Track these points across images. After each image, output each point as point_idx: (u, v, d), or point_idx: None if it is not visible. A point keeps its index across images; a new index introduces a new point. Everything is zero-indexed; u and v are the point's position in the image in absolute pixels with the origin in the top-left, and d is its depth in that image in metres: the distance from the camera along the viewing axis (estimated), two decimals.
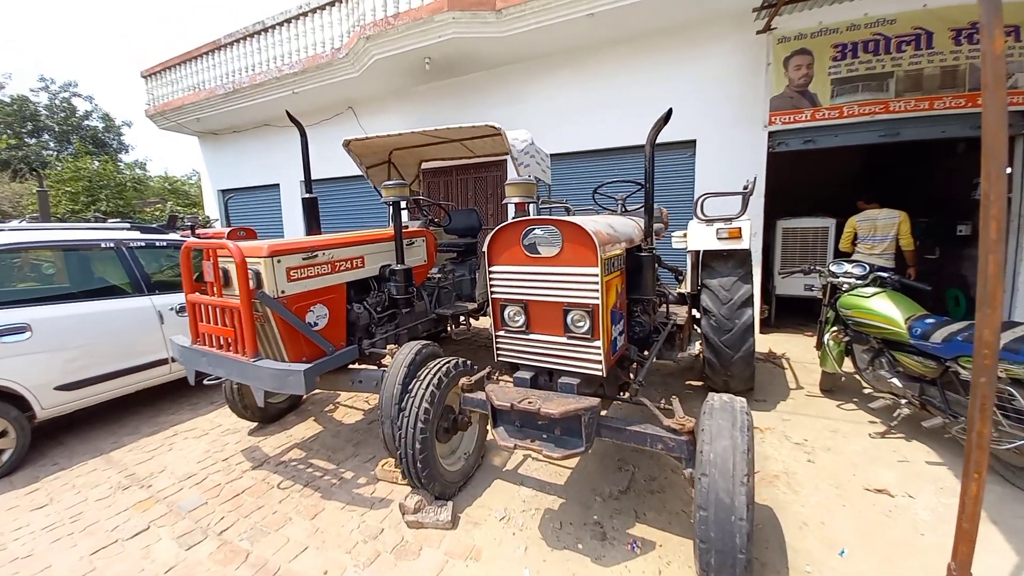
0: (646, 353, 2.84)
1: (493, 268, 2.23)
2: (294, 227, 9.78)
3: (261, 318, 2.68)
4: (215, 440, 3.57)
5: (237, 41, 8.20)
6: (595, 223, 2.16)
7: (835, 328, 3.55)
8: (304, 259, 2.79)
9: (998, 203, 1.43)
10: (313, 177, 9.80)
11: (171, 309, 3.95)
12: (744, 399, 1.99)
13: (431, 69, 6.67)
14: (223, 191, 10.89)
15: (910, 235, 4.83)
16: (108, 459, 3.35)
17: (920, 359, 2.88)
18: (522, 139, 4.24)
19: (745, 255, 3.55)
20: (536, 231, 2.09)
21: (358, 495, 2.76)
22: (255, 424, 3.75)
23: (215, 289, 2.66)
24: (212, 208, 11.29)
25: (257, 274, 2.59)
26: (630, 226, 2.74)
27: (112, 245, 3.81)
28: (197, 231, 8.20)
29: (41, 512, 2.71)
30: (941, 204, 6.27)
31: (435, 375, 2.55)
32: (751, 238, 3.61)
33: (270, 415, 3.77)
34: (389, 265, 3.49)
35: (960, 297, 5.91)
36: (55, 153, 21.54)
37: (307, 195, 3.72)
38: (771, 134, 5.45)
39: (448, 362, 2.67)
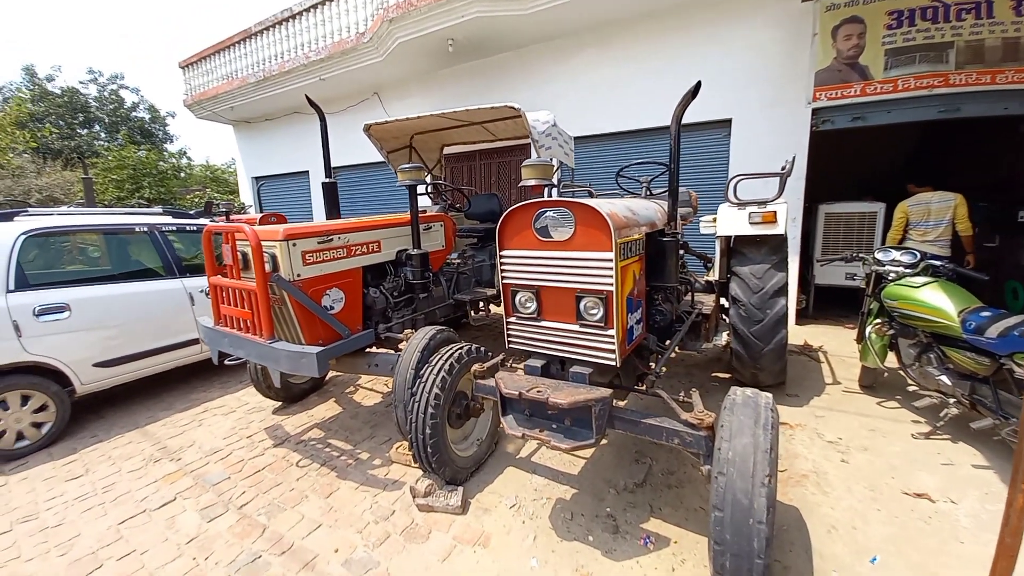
0: (668, 343, 2.71)
1: (504, 252, 2.15)
2: (323, 213, 9.98)
3: (278, 301, 2.71)
4: (241, 418, 3.70)
5: (266, 29, 8.31)
6: (611, 205, 2.04)
7: (879, 320, 3.29)
8: (319, 243, 2.79)
9: None
10: (340, 164, 9.98)
11: (201, 291, 4.08)
12: (770, 395, 1.85)
13: (454, 51, 6.55)
14: (256, 178, 11.22)
15: (968, 219, 4.40)
16: (143, 432, 3.53)
17: (972, 355, 2.62)
18: (543, 120, 4.09)
19: (780, 241, 3.32)
20: (548, 214, 1.99)
21: (372, 476, 2.80)
22: (279, 404, 3.86)
23: (234, 272, 2.71)
24: (247, 195, 11.67)
25: (273, 257, 2.62)
26: (652, 209, 2.59)
27: (146, 229, 3.96)
28: (231, 217, 8.52)
29: (76, 482, 2.88)
30: (1002, 188, 5.69)
31: (447, 361, 2.52)
32: (788, 223, 3.38)
33: (293, 395, 3.88)
34: (406, 250, 3.46)
35: (1019, 289, 5.38)
36: (105, 143, 22.79)
37: (327, 180, 3.72)
38: (815, 111, 5.06)
39: (461, 348, 2.64)
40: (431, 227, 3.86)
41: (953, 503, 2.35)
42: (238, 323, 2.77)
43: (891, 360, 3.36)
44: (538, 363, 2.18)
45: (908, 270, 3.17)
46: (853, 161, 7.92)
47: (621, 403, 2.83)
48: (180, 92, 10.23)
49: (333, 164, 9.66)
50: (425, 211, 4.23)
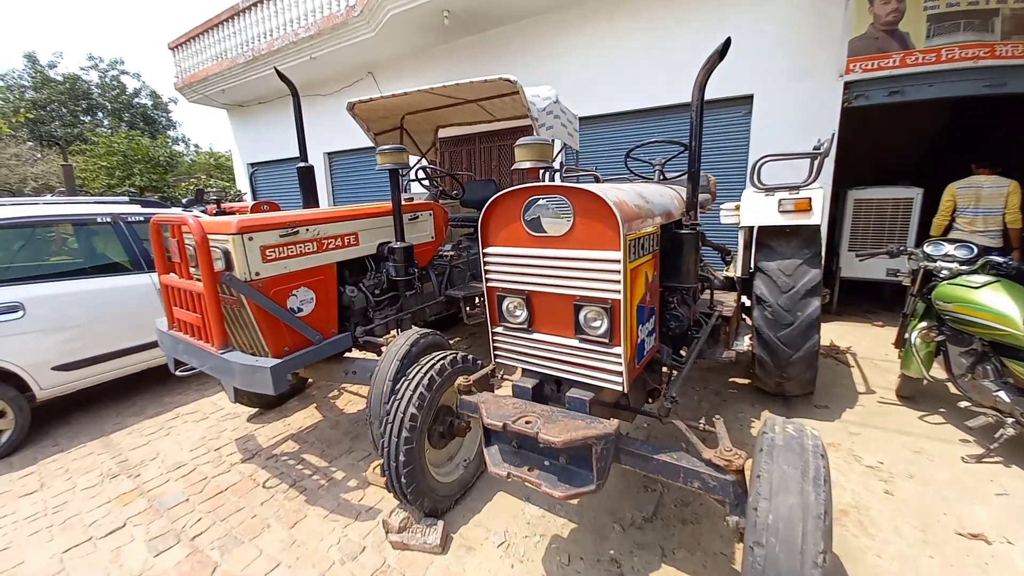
0: (683, 353, 2.33)
1: (488, 250, 1.78)
2: (319, 201, 9.63)
3: (235, 303, 2.36)
4: (213, 426, 3.41)
5: (255, 4, 7.86)
6: (619, 192, 1.64)
7: (925, 324, 2.86)
8: (282, 236, 2.43)
9: None
10: (337, 148, 9.56)
11: None
12: (816, 434, 1.46)
13: (450, 24, 6.07)
14: (252, 164, 10.86)
15: (1019, 210, 3.93)
16: (107, 442, 3.25)
17: None
18: (544, 96, 3.66)
19: (813, 233, 2.89)
20: (541, 202, 1.60)
21: (345, 502, 2.48)
22: (255, 410, 3.56)
23: (183, 270, 2.36)
24: (244, 182, 11.33)
25: (226, 253, 2.26)
26: (668, 196, 2.18)
27: (109, 220, 3.63)
28: (223, 205, 8.20)
29: (29, 499, 2.61)
30: None
31: (426, 374, 2.17)
32: (822, 211, 2.94)
33: (269, 402, 3.57)
34: (388, 242, 3.09)
35: None
36: (110, 131, 22.63)
37: (302, 164, 3.35)
38: (847, 85, 4.54)
39: (443, 358, 2.28)
40: (418, 216, 3.47)
41: (1010, 544, 1.99)
42: (190, 328, 2.44)
43: (937, 368, 2.95)
44: (529, 383, 1.81)
45: (964, 267, 2.73)
46: (881, 141, 7.33)
47: (625, 432, 2.47)
48: (171, 75, 9.84)
49: (330, 149, 9.34)
50: (412, 199, 3.85)
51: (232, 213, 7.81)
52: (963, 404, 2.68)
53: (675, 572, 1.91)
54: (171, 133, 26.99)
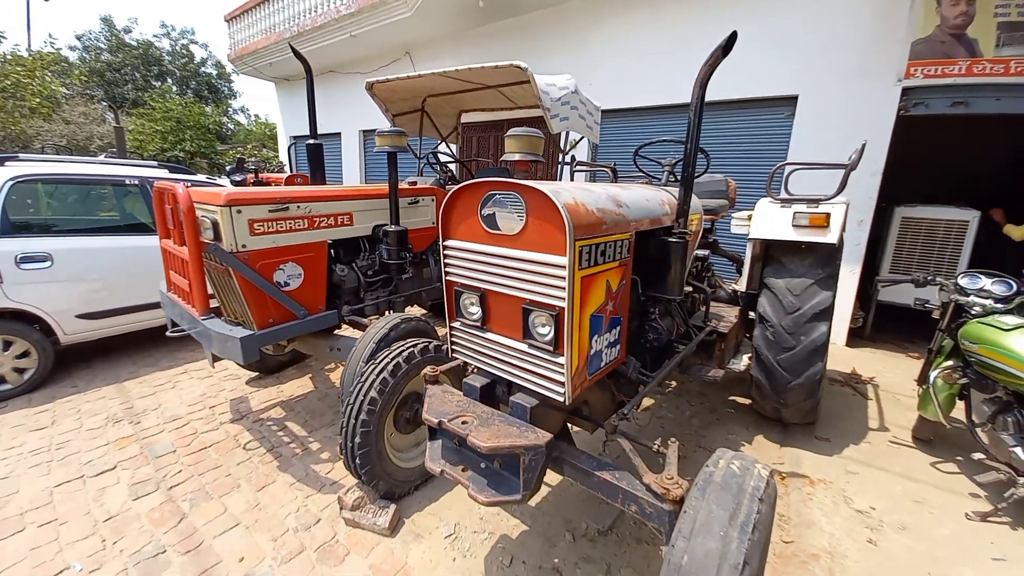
0: (658, 371, 2.21)
1: (447, 243, 1.73)
2: (352, 177, 9.86)
3: (223, 272, 2.45)
4: (214, 384, 3.60)
5: None
6: (585, 192, 1.54)
7: (949, 364, 2.58)
8: (272, 211, 2.48)
9: None
10: (371, 127, 9.69)
11: None
12: (767, 473, 1.35)
13: (486, 6, 5.96)
14: (294, 137, 11.24)
15: None
16: (120, 388, 3.50)
17: None
18: (560, 86, 3.53)
19: (830, 252, 2.65)
20: (497, 197, 1.53)
21: (313, 472, 2.55)
22: (254, 374, 3.72)
23: (177, 236, 2.47)
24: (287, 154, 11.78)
25: (215, 224, 2.34)
26: (656, 200, 2.05)
27: (137, 183, 3.85)
28: (260, 175, 8.55)
29: (38, 434, 2.85)
30: None
31: (392, 360, 2.18)
32: (845, 228, 2.69)
33: (269, 366, 3.72)
34: (384, 225, 3.11)
35: None
36: (165, 95, 24.11)
37: (312, 141, 3.40)
38: (905, 91, 4.11)
39: (415, 346, 2.28)
40: (419, 201, 3.47)
41: None
42: (182, 292, 2.55)
43: (958, 412, 2.66)
44: (478, 383, 1.77)
45: (999, 305, 2.43)
46: (941, 157, 6.62)
47: (590, 435, 2.40)
48: (226, 47, 10.28)
49: (363, 127, 9.49)
50: (414, 183, 3.84)
51: (269, 183, 8.15)
52: (977, 456, 2.41)
53: None
54: (232, 103, 28.36)
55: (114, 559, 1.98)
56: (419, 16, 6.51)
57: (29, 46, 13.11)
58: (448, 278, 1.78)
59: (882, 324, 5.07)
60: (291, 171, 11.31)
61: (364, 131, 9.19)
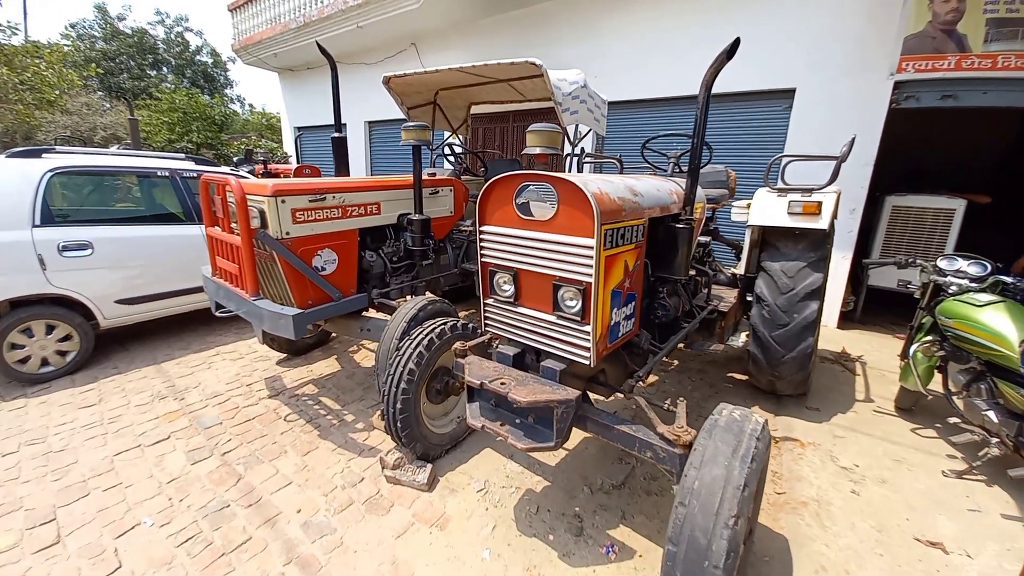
0: (666, 343, 2.46)
1: (484, 228, 1.96)
2: (357, 168, 9.99)
3: (267, 257, 2.67)
4: (247, 365, 3.83)
5: None
6: (606, 184, 1.77)
7: (928, 339, 2.85)
8: (311, 201, 2.70)
9: None
10: (377, 118, 9.80)
11: None
12: (762, 419, 1.60)
13: None
14: (299, 128, 11.33)
15: None
16: (159, 369, 3.73)
17: None
18: (571, 80, 3.73)
19: (820, 237, 2.90)
20: (530, 188, 1.76)
21: (351, 440, 2.81)
22: (283, 355, 3.96)
23: (226, 224, 2.68)
24: (291, 145, 11.87)
25: (262, 213, 2.55)
26: (666, 190, 2.28)
27: (167, 174, 4.04)
28: (268, 166, 8.69)
29: (88, 411, 3.08)
30: None
31: (426, 336, 2.41)
32: (835, 216, 2.93)
33: (297, 348, 3.96)
34: (408, 214, 3.32)
35: None
36: (172, 86, 23.90)
37: (336, 135, 3.59)
38: (897, 84, 4.32)
39: (445, 323, 2.52)
40: (439, 191, 3.68)
41: (969, 557, 2.06)
42: (230, 276, 2.77)
43: (936, 384, 2.93)
44: (511, 351, 2.02)
45: (973, 284, 2.69)
46: (930, 147, 6.86)
47: (605, 400, 2.64)
48: (229, 37, 10.31)
49: (370, 118, 9.60)
50: (434, 174, 4.04)
51: (277, 174, 8.31)
52: (953, 420, 2.69)
53: (630, 532, 2.12)
54: (228, 92, 28.16)
55: (182, 514, 2.22)
56: (426, 7, 6.63)
57: (26, 36, 13.05)
58: (484, 259, 2.01)
59: (872, 308, 5.35)
60: (298, 162, 11.48)
61: (369, 122, 9.31)
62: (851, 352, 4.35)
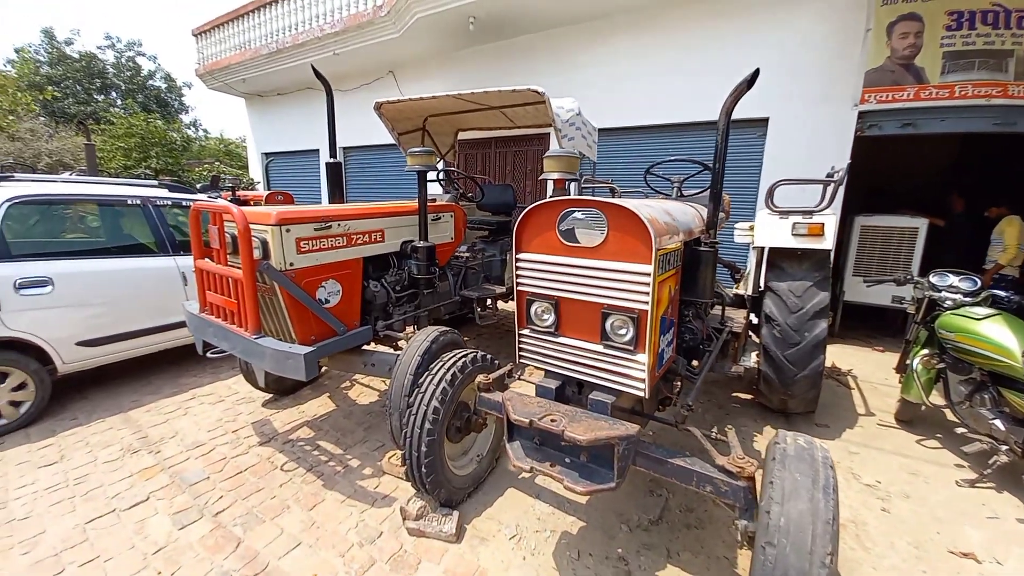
0: (695, 364, 2.43)
1: (522, 256, 1.88)
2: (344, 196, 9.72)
3: (267, 290, 2.46)
4: (229, 408, 3.49)
5: None
6: (650, 209, 1.74)
7: (927, 351, 2.97)
8: (317, 229, 2.53)
9: None
10: (350, 144, 9.64)
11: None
12: (826, 448, 1.56)
13: (475, 30, 6.20)
14: (267, 154, 10.97)
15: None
16: (126, 418, 3.33)
17: None
18: (568, 108, 3.77)
19: (824, 257, 3.00)
20: (576, 214, 1.70)
21: (361, 488, 2.56)
22: (269, 396, 3.64)
23: (221, 256, 2.46)
24: (257, 171, 11.44)
25: (264, 243, 2.36)
26: (689, 214, 2.29)
27: (139, 202, 3.73)
28: (237, 193, 8.30)
29: (49, 470, 2.69)
30: None
31: (448, 370, 2.26)
32: (835, 236, 3.06)
33: (285, 388, 3.65)
34: (412, 241, 3.19)
35: None
36: (122, 111, 22.72)
37: (331, 160, 3.45)
38: (862, 114, 4.67)
39: (465, 355, 2.37)
40: (440, 217, 3.58)
41: (999, 564, 2.10)
42: (223, 312, 2.53)
43: (937, 395, 3.05)
44: (552, 384, 1.91)
45: (967, 298, 2.84)
46: (889, 170, 7.46)
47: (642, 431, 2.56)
48: (193, 61, 9.96)
49: (345, 144, 9.44)
50: (435, 200, 3.95)
51: (247, 201, 7.93)
52: (960, 430, 2.78)
53: (680, 572, 2.00)
54: (183, 117, 27.11)
55: None
56: (407, 37, 6.66)
57: None
58: (520, 287, 1.92)
59: (847, 323, 5.61)
60: (266, 188, 11.05)
61: (344, 148, 9.13)
62: (840, 366, 4.49)
